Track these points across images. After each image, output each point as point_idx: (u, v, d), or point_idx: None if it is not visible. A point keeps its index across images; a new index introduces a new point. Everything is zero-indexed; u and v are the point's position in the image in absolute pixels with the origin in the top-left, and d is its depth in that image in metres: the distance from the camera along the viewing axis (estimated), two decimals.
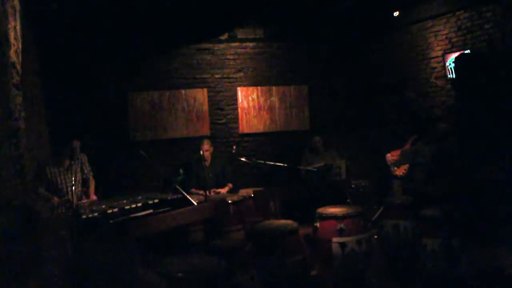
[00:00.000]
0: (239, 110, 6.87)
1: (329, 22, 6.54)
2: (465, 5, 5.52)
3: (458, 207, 3.52)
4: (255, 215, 4.89)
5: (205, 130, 6.69)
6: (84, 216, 3.37)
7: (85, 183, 4.82)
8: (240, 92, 6.88)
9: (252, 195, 4.86)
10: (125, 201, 3.85)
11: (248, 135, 6.92)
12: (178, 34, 6.44)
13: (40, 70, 4.91)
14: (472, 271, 2.64)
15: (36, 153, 4.36)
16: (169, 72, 6.59)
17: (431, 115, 6.03)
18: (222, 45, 6.82)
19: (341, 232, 3.82)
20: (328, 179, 5.88)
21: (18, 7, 2.80)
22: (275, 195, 4.91)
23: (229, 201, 4.69)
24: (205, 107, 6.71)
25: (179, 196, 4.03)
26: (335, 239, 3.81)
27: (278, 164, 5.44)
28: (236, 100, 6.87)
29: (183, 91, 6.63)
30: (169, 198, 3.98)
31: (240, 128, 6.87)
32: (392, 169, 5.70)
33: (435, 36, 6.02)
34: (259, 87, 6.96)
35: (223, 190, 5.45)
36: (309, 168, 5.82)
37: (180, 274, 2.59)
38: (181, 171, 4.42)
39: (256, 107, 6.93)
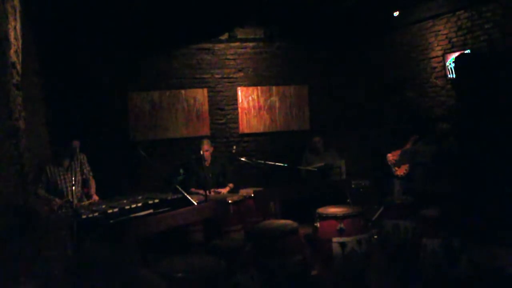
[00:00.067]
0: (239, 110, 6.87)
1: (329, 22, 6.54)
2: (465, 5, 5.52)
3: (458, 207, 3.52)
4: (255, 215, 4.89)
5: (205, 130, 6.69)
6: (84, 216, 3.37)
7: (84, 183, 4.82)
8: (240, 92, 6.88)
9: (252, 195, 4.86)
10: (125, 201, 3.85)
11: (248, 135, 6.92)
12: (178, 34, 6.45)
13: (40, 70, 4.91)
14: (472, 271, 2.64)
15: (36, 153, 4.36)
16: (169, 72, 6.59)
17: (431, 115, 6.03)
18: (222, 45, 6.82)
19: (341, 232, 3.82)
20: (328, 179, 5.89)
21: (18, 7, 2.80)
22: (275, 195, 4.90)
23: (229, 201, 4.69)
24: (205, 107, 6.71)
25: (179, 196, 4.02)
26: (335, 239, 3.81)
27: (278, 164, 5.43)
28: (236, 100, 6.87)
29: (183, 91, 6.63)
30: (169, 198, 3.98)
31: (240, 128, 6.87)
32: (393, 169, 5.70)
33: (435, 36, 6.02)
34: (259, 87, 6.96)
35: (224, 190, 5.45)
36: (309, 168, 5.82)
37: (180, 274, 2.60)
38: (181, 171, 4.42)
39: (256, 107, 6.93)
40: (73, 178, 4.23)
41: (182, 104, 6.62)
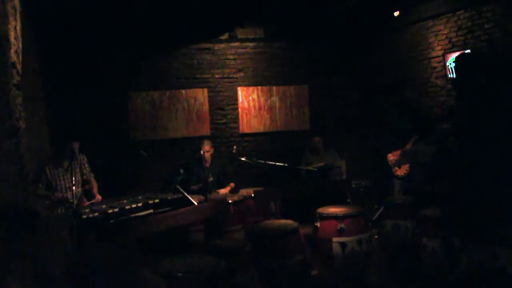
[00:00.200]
0: (239, 110, 6.87)
1: (329, 22, 6.53)
2: (465, 5, 5.52)
3: (458, 207, 3.52)
4: (255, 215, 4.89)
5: (205, 130, 6.69)
6: (84, 216, 3.38)
7: (84, 184, 4.82)
8: (240, 92, 6.88)
9: (253, 195, 4.87)
10: (125, 201, 3.86)
11: (248, 135, 6.92)
12: (178, 34, 6.45)
13: (40, 70, 4.90)
14: (472, 271, 2.64)
15: (36, 153, 4.36)
16: (169, 72, 6.59)
17: (431, 115, 6.03)
18: (222, 45, 6.82)
19: (341, 232, 3.83)
20: (328, 179, 5.89)
21: (18, 7, 2.80)
22: (275, 195, 4.91)
23: (229, 201, 4.70)
24: (205, 107, 6.71)
25: (179, 196, 4.03)
26: (335, 239, 3.81)
27: (278, 164, 5.44)
28: (236, 100, 6.87)
29: (183, 91, 6.63)
30: (169, 198, 3.99)
31: (241, 128, 6.87)
32: (393, 169, 5.70)
33: (435, 36, 6.02)
34: (259, 87, 6.96)
35: (225, 190, 5.45)
36: (309, 168, 5.82)
37: (180, 274, 2.60)
38: (181, 171, 4.42)
39: (256, 107, 6.93)
40: (73, 179, 4.23)
41: (182, 104, 6.62)
